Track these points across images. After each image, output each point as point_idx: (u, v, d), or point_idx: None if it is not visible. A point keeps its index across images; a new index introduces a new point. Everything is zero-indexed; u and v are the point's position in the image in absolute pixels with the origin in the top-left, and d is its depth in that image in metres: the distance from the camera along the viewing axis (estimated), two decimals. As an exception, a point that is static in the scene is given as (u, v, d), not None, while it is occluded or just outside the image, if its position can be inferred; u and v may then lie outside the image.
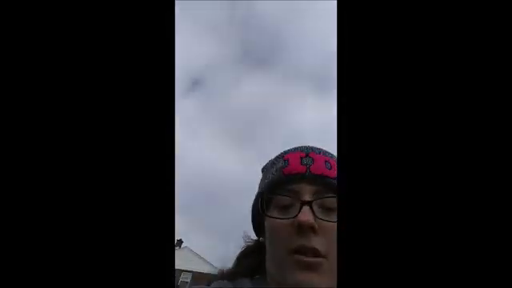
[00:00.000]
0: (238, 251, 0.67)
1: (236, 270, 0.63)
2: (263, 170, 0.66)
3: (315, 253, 0.51)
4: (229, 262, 0.67)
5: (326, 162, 0.58)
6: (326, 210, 0.53)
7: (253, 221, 0.63)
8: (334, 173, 0.56)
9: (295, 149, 0.61)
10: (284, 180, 0.56)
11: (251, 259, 0.63)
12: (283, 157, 0.60)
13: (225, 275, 0.63)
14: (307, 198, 0.53)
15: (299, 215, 0.51)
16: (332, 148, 0.60)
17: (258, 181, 0.66)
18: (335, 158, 0.60)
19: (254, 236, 0.66)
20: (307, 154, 0.59)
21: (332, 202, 0.53)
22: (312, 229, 0.51)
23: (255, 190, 0.65)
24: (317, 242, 0.51)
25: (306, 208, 0.52)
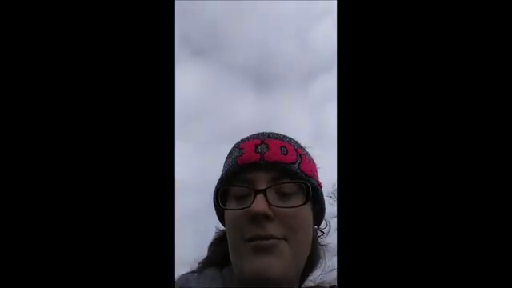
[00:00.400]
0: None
1: (207, 260, 0.63)
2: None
3: (266, 238, 0.51)
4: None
5: (281, 147, 0.57)
6: (282, 195, 0.53)
7: (216, 212, 0.63)
8: (290, 158, 0.56)
9: (252, 136, 0.61)
10: (238, 170, 0.55)
11: (221, 247, 0.62)
12: (239, 146, 0.60)
13: (197, 265, 0.63)
14: (262, 186, 0.53)
15: (253, 205, 0.51)
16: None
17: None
18: (293, 142, 0.60)
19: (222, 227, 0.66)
20: (262, 140, 0.58)
21: (289, 186, 0.54)
22: (266, 217, 0.51)
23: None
24: (273, 229, 0.51)
25: (259, 197, 0.51)
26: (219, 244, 0.63)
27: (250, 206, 0.51)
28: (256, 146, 0.57)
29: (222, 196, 0.57)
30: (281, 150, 0.56)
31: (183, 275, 0.61)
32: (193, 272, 0.60)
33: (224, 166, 0.61)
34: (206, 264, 0.62)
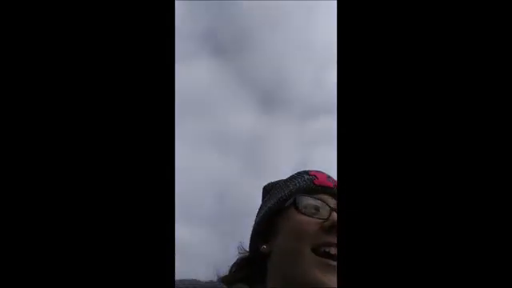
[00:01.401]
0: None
1: (234, 277, 0.67)
2: (268, 188, 0.73)
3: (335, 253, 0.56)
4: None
5: None
6: None
7: (259, 228, 0.68)
8: None
9: (313, 170, 0.70)
10: (313, 188, 0.65)
11: (247, 270, 0.67)
12: (308, 173, 0.69)
13: (222, 281, 0.66)
14: (334, 206, 0.60)
15: (334, 217, 0.58)
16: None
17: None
18: None
19: (247, 247, 0.71)
20: (329, 176, 0.68)
21: None
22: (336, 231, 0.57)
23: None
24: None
25: (335, 213, 0.59)
26: (246, 263, 0.68)
27: (327, 218, 0.59)
28: (328, 177, 0.68)
29: (288, 208, 0.63)
30: None
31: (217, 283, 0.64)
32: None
33: (286, 187, 0.68)
34: (234, 280, 0.65)
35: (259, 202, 0.76)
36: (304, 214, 0.60)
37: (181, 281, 0.62)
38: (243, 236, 0.73)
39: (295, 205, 0.62)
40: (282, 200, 0.65)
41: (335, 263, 0.56)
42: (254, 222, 0.72)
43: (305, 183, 0.66)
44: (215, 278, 0.68)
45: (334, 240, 0.57)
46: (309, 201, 0.62)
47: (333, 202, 0.62)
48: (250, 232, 0.72)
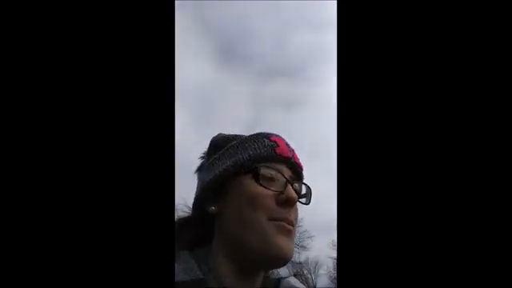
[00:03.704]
0: None
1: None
2: (220, 142, 0.69)
3: (291, 224, 0.58)
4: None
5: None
6: (295, 191, 0.61)
7: (209, 187, 0.64)
8: (301, 164, 0.66)
9: (273, 134, 0.67)
10: (274, 158, 0.62)
11: (191, 231, 0.64)
12: (268, 137, 0.66)
13: None
14: (289, 178, 0.61)
15: (288, 191, 0.59)
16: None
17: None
18: None
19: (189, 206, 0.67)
20: (287, 143, 0.66)
21: (300, 187, 0.64)
22: (292, 205, 0.59)
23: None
24: (293, 217, 0.59)
25: (290, 186, 0.60)
26: (188, 224, 0.66)
27: (283, 191, 0.59)
28: (287, 145, 0.66)
29: (245, 174, 0.60)
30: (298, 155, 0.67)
31: None
32: None
33: (247, 149, 0.64)
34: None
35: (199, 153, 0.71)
36: (261, 185, 0.59)
37: None
38: (185, 193, 0.68)
39: (255, 175, 0.60)
40: (239, 164, 0.62)
41: (291, 227, 0.57)
42: (200, 179, 0.68)
43: (265, 150, 0.63)
44: None
45: (289, 215, 0.58)
46: (267, 171, 0.60)
47: (288, 174, 0.62)
48: (196, 190, 0.68)
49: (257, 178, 0.59)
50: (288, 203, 0.58)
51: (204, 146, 0.71)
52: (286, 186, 0.59)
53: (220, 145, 0.68)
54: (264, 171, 0.60)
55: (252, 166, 0.61)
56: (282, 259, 0.57)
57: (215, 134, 0.71)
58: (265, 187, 0.58)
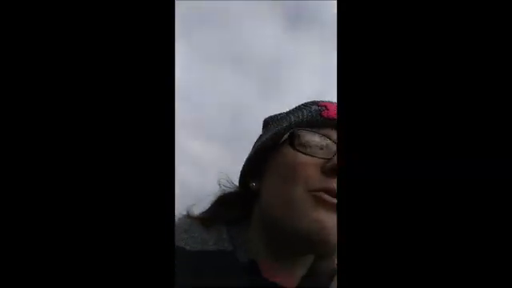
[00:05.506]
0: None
1: (210, 217, 0.58)
2: (268, 120, 0.63)
3: (335, 195, 0.48)
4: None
5: None
6: None
7: (250, 163, 0.58)
8: None
9: (327, 101, 0.58)
10: (319, 121, 0.54)
11: (231, 208, 0.59)
12: (317, 103, 0.58)
13: (197, 220, 0.57)
14: None
15: (335, 158, 0.48)
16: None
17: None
18: None
19: (234, 181, 0.62)
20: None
21: None
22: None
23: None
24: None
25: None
26: (228, 201, 0.60)
27: (331, 158, 0.49)
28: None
29: (283, 144, 0.52)
30: None
31: (181, 223, 0.55)
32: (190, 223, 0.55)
33: (290, 118, 0.57)
34: (210, 220, 0.57)
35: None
36: (300, 151, 0.50)
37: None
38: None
39: (290, 140, 0.51)
40: (278, 135, 0.55)
41: (335, 200, 0.47)
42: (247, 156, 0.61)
43: (310, 115, 0.55)
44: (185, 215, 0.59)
45: (332, 184, 0.47)
46: (309, 136, 0.51)
47: (335, 137, 0.51)
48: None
49: (292, 143, 0.51)
50: (334, 172, 0.48)
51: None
52: (335, 152, 0.50)
53: (267, 122, 0.63)
54: (305, 136, 0.52)
55: (296, 133, 0.52)
56: (322, 240, 0.46)
57: (287, 104, 0.63)
58: (306, 154, 0.50)
